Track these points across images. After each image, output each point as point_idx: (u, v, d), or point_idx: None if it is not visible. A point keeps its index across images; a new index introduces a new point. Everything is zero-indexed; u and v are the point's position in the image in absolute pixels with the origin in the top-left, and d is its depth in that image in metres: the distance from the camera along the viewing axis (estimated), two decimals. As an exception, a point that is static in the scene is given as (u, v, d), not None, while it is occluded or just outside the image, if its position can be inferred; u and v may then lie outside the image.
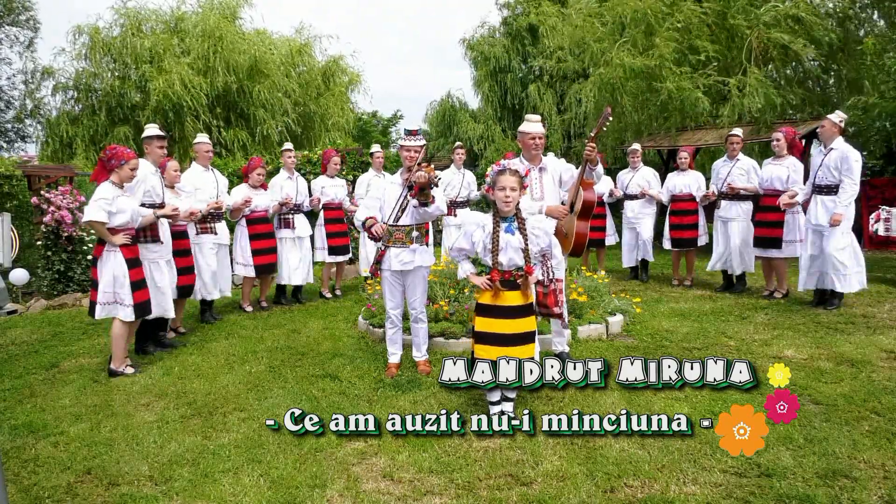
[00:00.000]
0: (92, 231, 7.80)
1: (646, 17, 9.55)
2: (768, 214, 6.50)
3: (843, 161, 5.67)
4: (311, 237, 7.25)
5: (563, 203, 4.54)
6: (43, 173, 8.75)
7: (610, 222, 8.33)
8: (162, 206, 5.16)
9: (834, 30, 9.01)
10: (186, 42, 13.21)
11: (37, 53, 20.16)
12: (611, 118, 4.32)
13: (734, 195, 6.81)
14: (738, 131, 7.02)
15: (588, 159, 4.24)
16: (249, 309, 6.85)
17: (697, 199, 7.36)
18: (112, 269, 4.56)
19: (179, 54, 13.02)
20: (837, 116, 5.85)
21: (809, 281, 6.06)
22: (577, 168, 4.53)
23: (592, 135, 4.29)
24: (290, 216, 6.96)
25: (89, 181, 4.75)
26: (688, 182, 7.41)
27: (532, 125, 4.38)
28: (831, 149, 5.80)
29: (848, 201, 5.69)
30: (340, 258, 7.52)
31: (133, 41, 12.74)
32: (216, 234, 6.18)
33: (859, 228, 9.99)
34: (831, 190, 5.79)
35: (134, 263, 4.64)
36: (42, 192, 7.80)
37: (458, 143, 8.57)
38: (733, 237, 6.86)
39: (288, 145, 7.24)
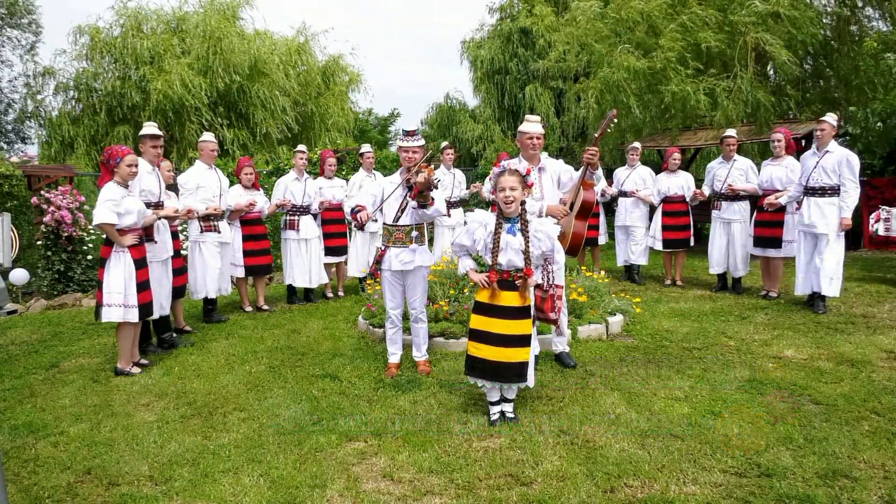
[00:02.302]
0: (93, 231, 7.82)
1: (650, 19, 9.53)
2: (768, 215, 6.51)
3: (846, 165, 5.66)
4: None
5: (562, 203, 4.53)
6: (43, 173, 8.74)
7: (603, 221, 8.26)
8: (159, 205, 5.15)
9: (823, 26, 8.93)
10: (187, 42, 13.22)
11: (38, 56, 20.16)
12: (615, 121, 4.31)
13: (734, 196, 6.83)
14: (732, 132, 7.03)
15: (589, 163, 4.22)
16: (249, 309, 6.85)
17: (688, 200, 7.42)
18: (122, 271, 4.53)
19: (180, 54, 13.02)
20: (833, 118, 5.87)
21: (806, 285, 6.04)
22: (576, 171, 4.53)
23: (596, 136, 4.28)
24: (296, 218, 6.96)
25: (98, 185, 4.74)
26: (680, 183, 7.46)
27: (530, 125, 4.38)
28: (827, 151, 5.79)
29: (854, 204, 5.70)
30: (338, 258, 7.52)
31: (133, 41, 12.74)
32: (219, 232, 6.19)
33: (856, 228, 10.01)
34: (825, 192, 5.79)
35: (141, 264, 4.64)
36: (42, 192, 7.80)
37: (444, 144, 8.57)
38: (736, 238, 6.87)
39: (301, 147, 7.22)
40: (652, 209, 7.91)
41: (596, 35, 10.37)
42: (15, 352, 5.48)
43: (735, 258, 6.93)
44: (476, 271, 3.51)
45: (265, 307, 6.93)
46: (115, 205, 4.44)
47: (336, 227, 7.32)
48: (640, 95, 10.04)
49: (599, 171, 4.37)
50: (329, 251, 7.37)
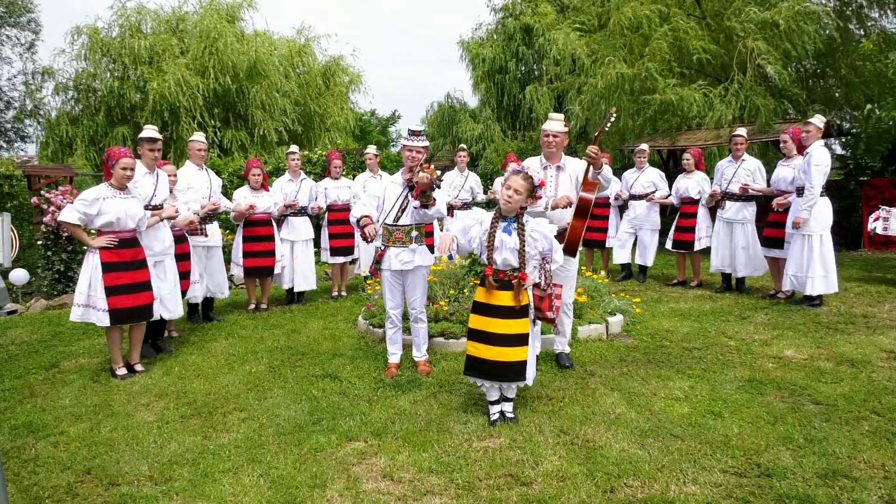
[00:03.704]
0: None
1: (640, 25, 9.53)
2: (775, 215, 6.51)
3: (808, 165, 5.82)
4: (314, 240, 7.26)
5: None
6: (43, 173, 8.75)
7: (613, 224, 8.12)
8: (157, 208, 5.11)
9: (820, 37, 8.93)
10: (186, 42, 13.22)
11: (37, 55, 20.17)
12: (613, 119, 4.30)
13: (743, 196, 6.78)
14: (742, 131, 6.93)
15: (591, 163, 4.21)
16: (251, 308, 6.86)
17: (702, 202, 7.25)
18: (89, 272, 4.47)
19: (178, 55, 13.02)
20: (819, 120, 5.95)
21: (787, 282, 6.18)
22: None
23: (596, 135, 4.27)
24: (286, 220, 6.96)
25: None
26: (690, 185, 7.34)
27: (550, 123, 4.34)
28: (807, 153, 5.90)
29: (806, 204, 5.81)
30: (343, 259, 7.52)
31: (131, 42, 12.74)
32: (206, 235, 6.11)
33: (857, 228, 10.02)
34: (801, 193, 5.95)
35: (114, 267, 4.48)
36: (42, 192, 7.80)
37: (461, 146, 8.51)
38: (737, 240, 6.83)
39: (293, 147, 7.21)
40: (673, 209, 7.86)
41: (579, 51, 10.44)
42: (15, 352, 5.48)
43: (737, 260, 6.88)
44: (462, 257, 3.51)
45: (263, 305, 6.94)
46: (84, 205, 4.39)
47: (341, 227, 7.31)
48: (630, 101, 10.04)
49: (607, 172, 4.27)
50: (335, 251, 7.37)
